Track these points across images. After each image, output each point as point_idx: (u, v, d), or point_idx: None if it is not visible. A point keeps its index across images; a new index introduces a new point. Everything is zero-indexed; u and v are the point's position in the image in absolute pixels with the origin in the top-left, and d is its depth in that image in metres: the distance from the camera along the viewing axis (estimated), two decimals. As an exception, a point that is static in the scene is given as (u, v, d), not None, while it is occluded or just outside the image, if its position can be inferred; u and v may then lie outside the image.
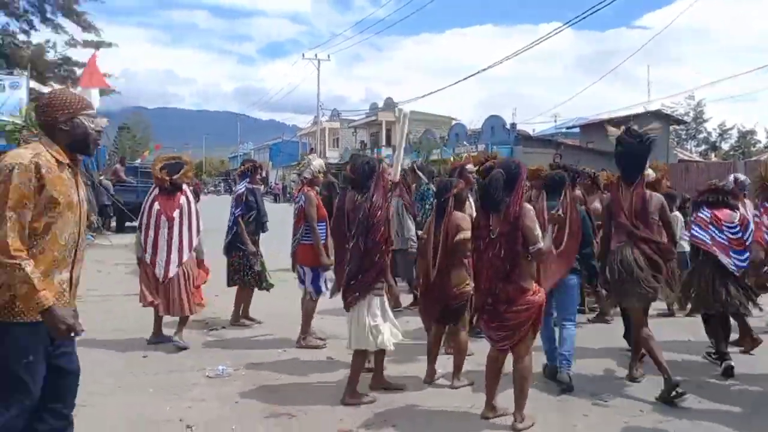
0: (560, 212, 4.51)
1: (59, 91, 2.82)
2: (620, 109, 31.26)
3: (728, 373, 4.89)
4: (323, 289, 5.65)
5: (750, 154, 34.45)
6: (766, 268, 4.98)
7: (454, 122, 37.24)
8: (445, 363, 4.84)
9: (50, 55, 18.74)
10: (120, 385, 4.56)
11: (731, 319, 5.38)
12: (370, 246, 4.16)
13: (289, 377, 4.83)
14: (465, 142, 24.63)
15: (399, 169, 5.01)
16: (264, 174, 8.23)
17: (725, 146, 41.87)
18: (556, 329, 4.81)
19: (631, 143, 4.62)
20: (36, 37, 18.90)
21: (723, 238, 5.01)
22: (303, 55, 41.96)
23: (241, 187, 6.54)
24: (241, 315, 6.55)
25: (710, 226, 5.07)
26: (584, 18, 17.09)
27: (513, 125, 29.37)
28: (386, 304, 4.31)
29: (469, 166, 5.84)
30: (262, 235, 6.60)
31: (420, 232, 5.01)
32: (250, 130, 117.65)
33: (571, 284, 4.77)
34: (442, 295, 4.53)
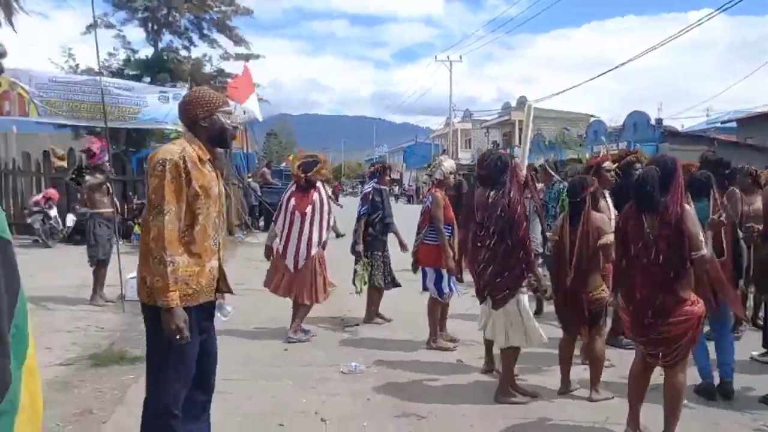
0: (722, 217, 4.07)
1: (199, 90, 2.93)
2: (785, 101, 27.63)
3: None
4: (446, 290, 5.62)
5: None
6: None
7: (592, 119, 35.39)
8: (581, 373, 4.61)
9: (207, 68, 20.40)
10: (261, 375, 4.83)
11: None
12: (514, 242, 4.08)
13: (419, 377, 4.85)
14: (603, 138, 23.12)
15: (525, 164, 4.83)
16: (392, 176, 8.36)
17: None
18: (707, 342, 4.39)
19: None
20: (194, 52, 20.71)
21: None
22: (435, 57, 42.24)
23: (368, 187, 6.72)
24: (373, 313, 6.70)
25: None
26: (740, 1, 15.40)
27: (659, 121, 27.27)
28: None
29: (607, 164, 5.34)
30: (392, 236, 6.67)
31: (549, 234, 4.80)
32: (385, 134, 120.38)
33: None
34: (579, 301, 4.29)
